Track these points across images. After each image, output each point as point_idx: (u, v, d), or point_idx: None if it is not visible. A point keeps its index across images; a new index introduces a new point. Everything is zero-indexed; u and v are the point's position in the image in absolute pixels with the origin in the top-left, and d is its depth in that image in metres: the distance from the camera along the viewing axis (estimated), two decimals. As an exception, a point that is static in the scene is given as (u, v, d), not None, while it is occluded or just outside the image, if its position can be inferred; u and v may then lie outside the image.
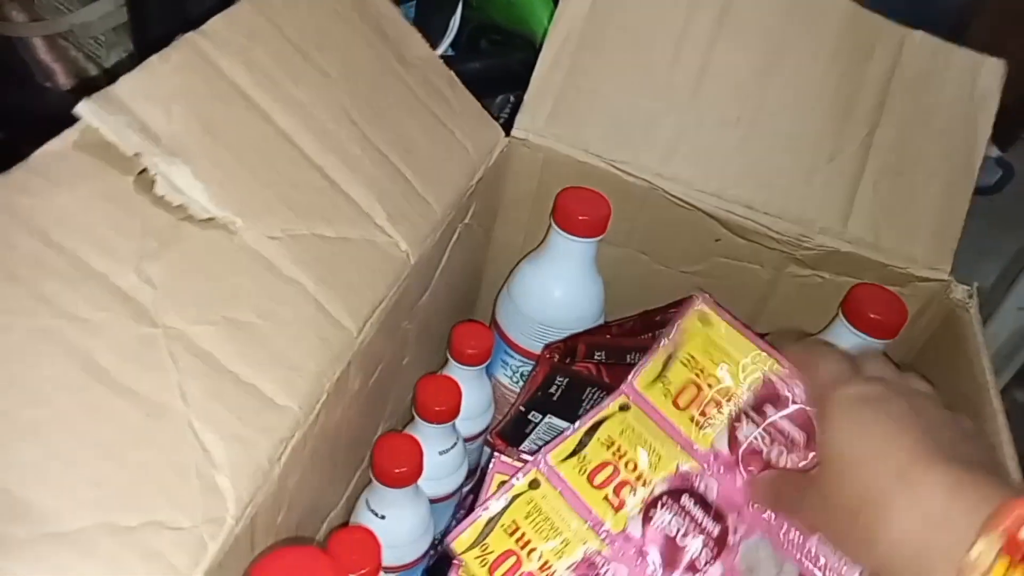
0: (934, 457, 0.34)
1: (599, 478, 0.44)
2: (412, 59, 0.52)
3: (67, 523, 0.29)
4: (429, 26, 0.56)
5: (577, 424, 0.46)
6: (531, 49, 0.73)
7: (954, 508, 0.32)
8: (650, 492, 0.43)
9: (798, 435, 0.42)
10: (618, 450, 0.44)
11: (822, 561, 0.39)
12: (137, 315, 0.33)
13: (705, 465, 0.43)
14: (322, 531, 0.48)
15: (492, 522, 0.43)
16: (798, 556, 0.40)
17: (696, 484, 0.43)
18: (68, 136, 0.34)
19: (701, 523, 0.42)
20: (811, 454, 0.41)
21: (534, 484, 0.44)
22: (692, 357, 0.45)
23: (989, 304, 1.12)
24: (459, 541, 0.43)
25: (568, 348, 0.58)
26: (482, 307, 0.68)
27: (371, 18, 0.50)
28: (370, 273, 0.43)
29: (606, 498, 0.43)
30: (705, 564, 0.41)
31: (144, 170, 0.35)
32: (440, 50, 0.69)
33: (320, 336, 0.39)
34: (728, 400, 0.44)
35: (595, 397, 0.55)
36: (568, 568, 0.42)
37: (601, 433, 0.45)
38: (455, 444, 0.55)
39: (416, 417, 0.52)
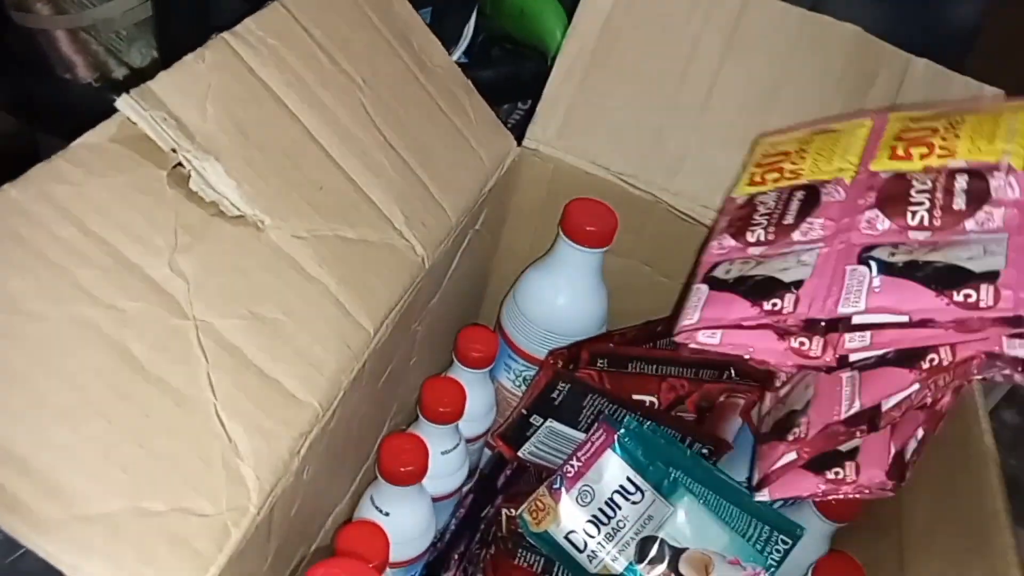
0: None
1: (911, 134, 0.45)
2: (433, 66, 0.53)
3: (97, 506, 0.30)
4: (443, 33, 0.58)
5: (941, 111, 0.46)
6: (542, 59, 0.75)
7: None
8: (943, 163, 0.43)
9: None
10: (952, 123, 0.45)
11: None
12: (170, 307, 0.34)
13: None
14: (328, 525, 0.49)
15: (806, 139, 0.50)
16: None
17: (994, 174, 0.41)
18: (106, 128, 0.35)
19: (949, 203, 0.41)
20: None
21: (859, 125, 0.49)
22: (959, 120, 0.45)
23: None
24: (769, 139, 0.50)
25: (572, 355, 0.59)
26: (487, 311, 0.69)
27: (394, 24, 0.51)
28: (388, 275, 0.44)
29: (894, 147, 0.45)
30: (917, 227, 0.41)
31: (178, 165, 0.36)
32: (454, 57, 0.70)
33: (340, 335, 0.40)
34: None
35: (596, 404, 0.56)
36: (809, 179, 0.46)
37: (950, 117, 0.46)
38: (458, 445, 0.56)
39: (421, 417, 0.53)
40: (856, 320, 0.39)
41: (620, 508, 0.51)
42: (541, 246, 0.62)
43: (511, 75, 0.73)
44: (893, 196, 0.43)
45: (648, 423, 0.52)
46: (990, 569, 0.39)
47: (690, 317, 0.44)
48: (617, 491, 0.51)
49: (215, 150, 0.37)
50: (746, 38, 0.59)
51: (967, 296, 0.37)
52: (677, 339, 0.44)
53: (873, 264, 0.40)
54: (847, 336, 0.39)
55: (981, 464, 0.44)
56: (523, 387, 0.62)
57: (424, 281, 0.47)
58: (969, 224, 0.40)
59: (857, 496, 0.43)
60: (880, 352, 0.39)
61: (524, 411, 0.56)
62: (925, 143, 0.44)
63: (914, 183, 0.43)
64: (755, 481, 0.46)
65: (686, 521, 0.51)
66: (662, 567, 0.50)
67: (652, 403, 0.56)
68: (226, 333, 0.35)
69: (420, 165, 0.49)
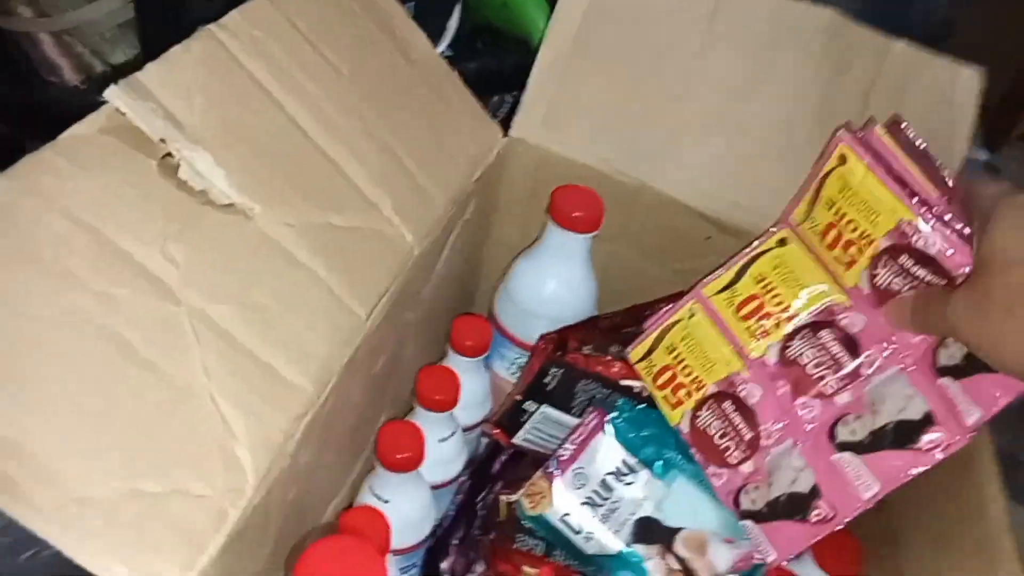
0: None
1: (745, 310, 0.49)
2: (417, 57, 0.54)
3: (94, 489, 0.30)
4: (427, 25, 0.58)
5: (735, 259, 0.50)
6: (526, 51, 0.75)
7: None
8: (794, 326, 0.47)
9: (934, 279, 0.43)
10: (767, 285, 0.48)
11: (951, 395, 0.42)
12: (162, 294, 0.34)
13: (854, 300, 0.46)
14: (327, 514, 0.49)
15: (657, 340, 0.52)
16: (930, 389, 0.43)
17: (839, 318, 0.46)
18: (95, 120, 0.35)
19: (835, 355, 0.45)
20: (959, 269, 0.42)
21: (690, 314, 0.51)
22: (831, 199, 0.47)
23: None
24: (633, 353, 0.53)
25: (560, 340, 0.59)
26: (480, 300, 0.70)
27: (379, 16, 0.52)
28: (377, 262, 0.45)
29: (749, 328, 0.48)
30: (833, 393, 0.45)
31: (168, 155, 0.36)
32: (439, 49, 0.70)
33: (331, 321, 0.40)
34: (869, 245, 0.45)
35: (589, 388, 0.56)
36: (714, 383, 0.49)
37: (755, 269, 0.49)
38: (454, 433, 0.56)
39: (417, 405, 0.54)
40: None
41: (614, 490, 0.52)
42: (530, 234, 0.62)
43: (496, 66, 0.73)
44: (799, 378, 0.47)
45: (641, 405, 0.53)
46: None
47: (770, 555, 0.48)
48: (611, 473, 0.52)
49: (203, 140, 0.38)
50: (724, 26, 0.59)
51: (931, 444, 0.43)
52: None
53: (847, 452, 0.45)
54: None
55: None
56: (517, 375, 0.63)
57: (414, 269, 0.48)
58: (871, 378, 0.45)
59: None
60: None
61: (518, 397, 0.57)
62: (764, 314, 0.48)
63: (800, 357, 0.47)
64: (771, 557, 0.48)
65: (680, 501, 0.51)
66: (658, 547, 0.50)
67: (641, 389, 0.56)
68: (218, 319, 0.35)
69: (407, 154, 0.49)
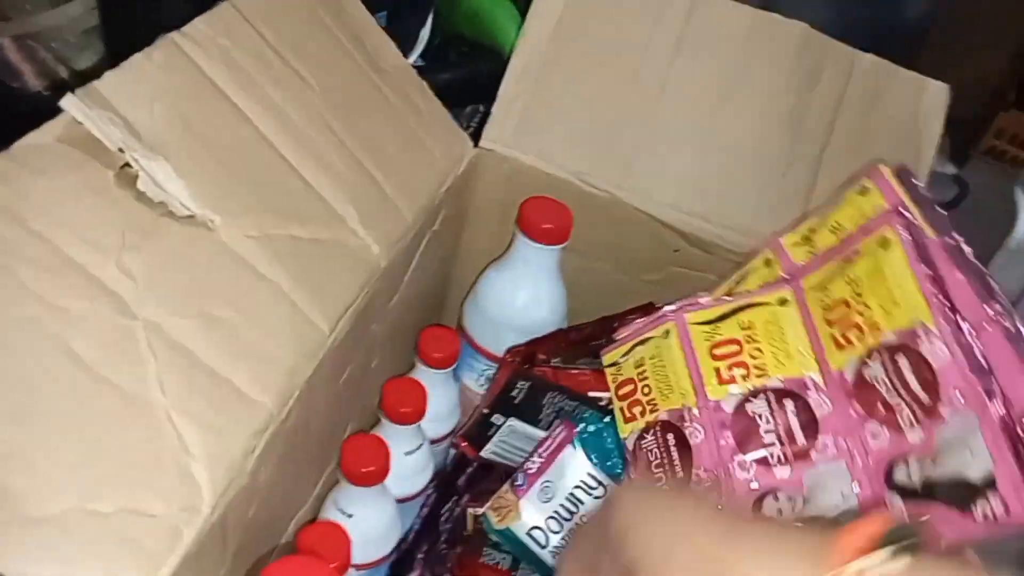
0: None
1: (720, 351, 0.47)
2: (386, 67, 0.53)
3: (45, 508, 0.30)
4: (399, 35, 0.58)
5: (732, 298, 0.49)
6: (499, 61, 0.75)
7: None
8: (763, 384, 0.46)
9: (922, 397, 0.41)
10: (751, 336, 0.47)
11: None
12: (117, 307, 0.34)
13: (830, 384, 0.44)
14: (290, 529, 0.48)
15: (629, 351, 0.51)
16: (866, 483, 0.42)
17: (808, 393, 0.45)
18: (51, 128, 0.35)
19: (789, 430, 0.44)
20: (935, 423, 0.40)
21: (666, 334, 0.49)
22: (856, 280, 0.45)
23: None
24: (607, 356, 0.52)
25: (528, 353, 0.59)
26: (449, 311, 0.69)
27: (347, 25, 0.51)
28: (342, 275, 0.44)
29: (717, 370, 0.47)
30: (769, 465, 0.44)
31: (126, 165, 0.36)
32: (411, 59, 0.70)
33: (294, 334, 0.40)
34: (871, 332, 0.43)
35: (556, 401, 0.56)
36: (665, 411, 0.48)
37: (745, 316, 0.48)
38: (421, 445, 0.56)
39: (383, 418, 0.53)
40: None
41: (583, 503, 0.51)
42: (501, 246, 0.62)
43: (468, 77, 0.73)
44: (745, 433, 0.45)
45: (607, 417, 0.53)
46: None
47: None
48: (578, 486, 0.51)
49: (163, 149, 0.37)
50: (697, 36, 0.60)
51: None
52: None
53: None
54: None
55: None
56: (486, 386, 0.63)
57: (381, 280, 0.47)
58: (817, 464, 0.43)
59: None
60: None
61: (485, 411, 0.56)
62: (737, 362, 0.47)
63: (756, 418, 0.45)
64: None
65: (648, 514, 0.51)
66: (625, 560, 0.50)
67: (608, 402, 0.56)
68: (175, 333, 0.35)
69: (374, 165, 0.49)
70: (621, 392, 0.51)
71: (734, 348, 0.47)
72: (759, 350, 0.47)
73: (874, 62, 0.59)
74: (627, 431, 0.51)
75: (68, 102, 0.35)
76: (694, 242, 0.59)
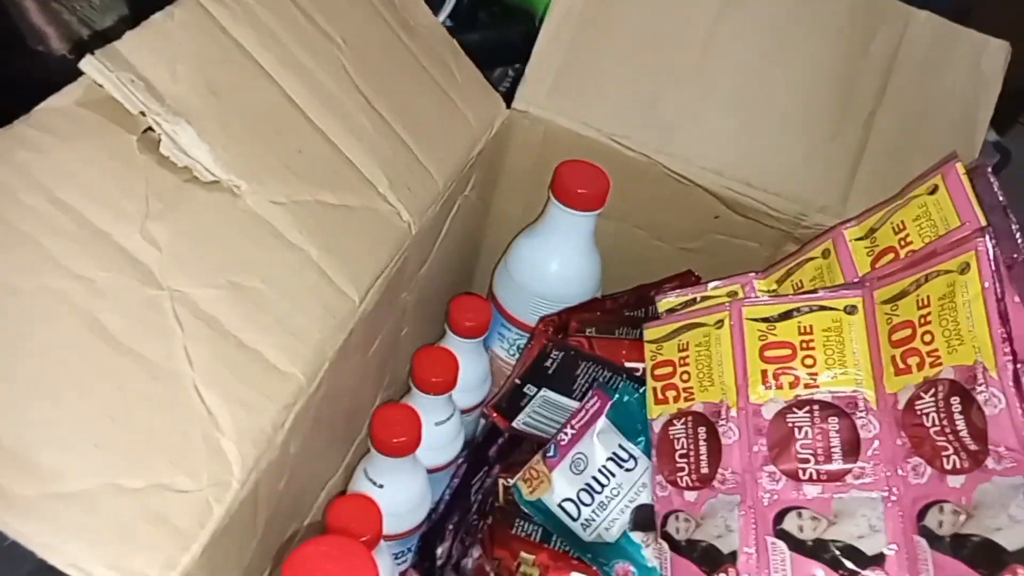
0: None
1: (772, 353, 0.45)
2: (416, 26, 0.51)
3: (73, 483, 0.29)
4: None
5: (793, 296, 0.47)
6: (530, 22, 0.73)
7: None
8: (809, 395, 0.44)
9: (969, 444, 0.39)
10: (808, 343, 0.45)
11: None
12: (143, 277, 0.32)
13: (882, 405, 0.43)
14: (320, 499, 0.48)
15: (676, 332, 0.49)
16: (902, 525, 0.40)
17: (857, 412, 0.43)
18: (71, 92, 0.33)
19: (830, 446, 0.42)
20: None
21: (718, 324, 0.48)
22: (927, 300, 0.42)
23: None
24: (649, 332, 0.51)
25: (561, 322, 0.58)
26: (479, 280, 0.68)
27: (376, -17, 0.49)
28: (372, 242, 0.43)
29: (764, 372, 0.45)
30: (802, 479, 0.42)
31: (149, 129, 0.34)
32: (439, 20, 0.68)
33: (323, 304, 0.39)
34: (931, 362, 0.41)
35: (590, 371, 0.55)
36: (701, 403, 0.47)
37: (806, 319, 0.45)
38: (451, 415, 0.55)
39: (413, 388, 0.52)
40: None
41: (614, 476, 0.50)
42: (534, 211, 0.60)
43: (498, 38, 0.71)
44: (781, 443, 0.43)
45: (643, 389, 0.51)
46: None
47: None
48: (611, 458, 0.50)
49: (186, 113, 0.36)
50: (742, -6, 0.57)
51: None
52: None
53: (783, 542, 0.42)
54: None
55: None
56: (517, 356, 0.61)
57: (411, 248, 0.46)
58: (851, 489, 0.41)
59: None
60: None
61: (517, 381, 0.55)
62: (787, 368, 0.45)
63: (795, 430, 0.43)
64: None
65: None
66: (655, 533, 0.49)
67: (644, 370, 0.55)
68: (202, 303, 0.34)
69: (404, 128, 0.47)
70: (657, 373, 0.50)
71: (786, 352, 0.45)
72: (812, 358, 0.45)
73: (930, 19, 0.56)
74: (656, 412, 0.49)
75: (88, 64, 0.33)
76: (736, 208, 0.57)
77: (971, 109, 0.55)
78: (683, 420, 0.47)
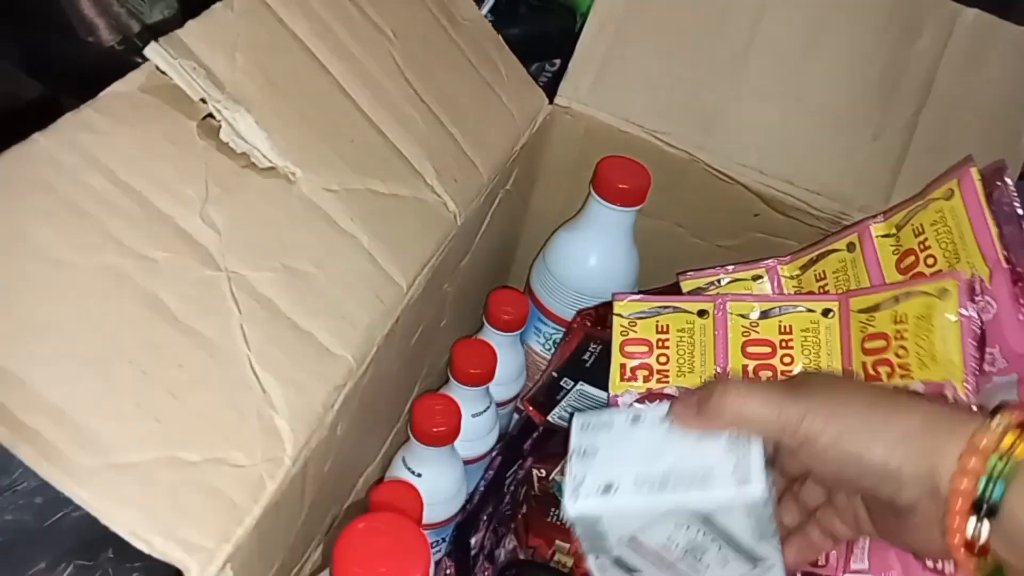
0: None
1: (752, 349, 0.47)
2: (462, 20, 0.52)
3: (131, 455, 0.30)
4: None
5: (782, 296, 0.49)
6: (570, 17, 0.73)
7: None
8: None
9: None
10: (787, 340, 0.46)
11: None
12: (202, 258, 0.33)
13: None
14: (359, 485, 0.48)
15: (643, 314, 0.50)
16: None
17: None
18: (135, 78, 0.34)
19: None
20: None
21: (702, 313, 0.49)
22: (904, 316, 0.43)
23: None
24: (643, 324, 0.50)
25: (599, 316, 0.58)
26: (517, 274, 0.68)
27: (424, -23, 0.50)
28: (420, 231, 0.43)
29: (745, 366, 0.47)
30: None
31: (209, 115, 0.35)
32: (481, 13, 0.68)
33: (373, 290, 0.39)
34: (901, 377, 0.42)
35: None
36: (675, 387, 0.47)
37: (788, 318, 0.47)
38: (488, 407, 0.55)
39: (451, 379, 0.53)
40: None
41: (653, 470, 0.50)
42: (572, 207, 0.61)
43: (538, 32, 0.71)
44: None
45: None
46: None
47: None
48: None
49: (245, 100, 0.36)
50: (784, -10, 0.57)
51: None
52: None
53: None
54: None
55: None
56: (552, 351, 0.62)
57: (456, 239, 0.46)
58: None
59: None
60: None
61: (555, 373, 0.55)
62: (768, 368, 0.46)
63: None
64: None
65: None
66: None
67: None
68: (258, 285, 0.34)
69: (451, 120, 0.48)
70: (628, 349, 0.49)
71: (767, 349, 0.46)
72: (790, 356, 0.46)
73: (978, 16, 0.55)
74: (621, 389, 0.49)
75: (152, 50, 0.34)
76: (776, 206, 0.57)
77: (1017, 108, 0.54)
78: (653, 402, 0.47)
